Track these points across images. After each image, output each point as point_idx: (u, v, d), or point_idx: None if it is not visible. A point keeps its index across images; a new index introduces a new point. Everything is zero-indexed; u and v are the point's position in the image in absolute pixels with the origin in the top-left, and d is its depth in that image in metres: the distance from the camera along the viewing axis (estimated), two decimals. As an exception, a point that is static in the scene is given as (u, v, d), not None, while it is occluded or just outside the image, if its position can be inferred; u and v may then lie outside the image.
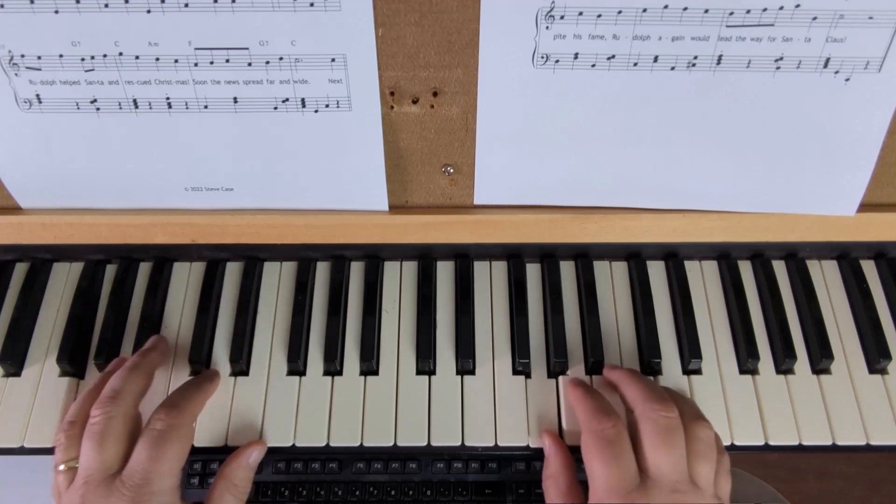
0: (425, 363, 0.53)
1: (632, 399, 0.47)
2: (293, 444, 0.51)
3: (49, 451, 0.51)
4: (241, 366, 0.53)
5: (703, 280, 0.58)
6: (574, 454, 0.49)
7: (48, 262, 0.59)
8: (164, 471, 0.44)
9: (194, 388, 0.50)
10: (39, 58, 0.44)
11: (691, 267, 0.58)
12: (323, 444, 0.51)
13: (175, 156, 0.49)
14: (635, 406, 0.46)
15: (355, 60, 0.44)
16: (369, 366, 0.53)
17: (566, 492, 0.46)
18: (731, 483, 0.46)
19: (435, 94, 0.46)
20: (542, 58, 0.44)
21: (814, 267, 0.58)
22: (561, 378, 0.53)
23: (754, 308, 0.56)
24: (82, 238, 0.53)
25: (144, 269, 0.59)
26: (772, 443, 0.51)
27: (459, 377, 0.53)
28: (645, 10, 0.41)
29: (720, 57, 0.43)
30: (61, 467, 0.46)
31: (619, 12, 0.42)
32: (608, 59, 0.44)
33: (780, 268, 0.58)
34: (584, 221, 0.52)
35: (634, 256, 0.58)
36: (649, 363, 0.53)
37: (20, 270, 0.59)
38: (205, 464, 0.53)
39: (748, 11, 0.41)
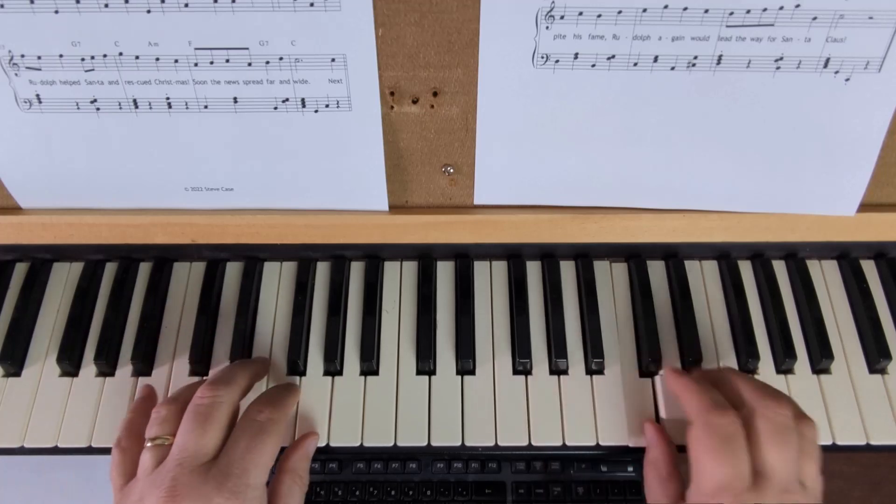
0: (425, 363, 0.53)
1: (747, 396, 0.45)
2: (293, 444, 0.51)
3: (48, 452, 0.51)
4: (241, 366, 0.53)
5: (703, 280, 0.58)
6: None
7: (48, 262, 0.59)
8: (261, 463, 0.43)
9: (287, 391, 0.50)
10: (39, 58, 0.44)
11: (691, 267, 0.58)
12: (323, 444, 0.51)
13: (175, 156, 0.49)
14: (749, 402, 0.44)
15: (355, 60, 0.44)
16: (369, 366, 0.53)
17: (666, 478, 0.46)
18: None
19: (435, 94, 0.46)
20: (542, 58, 0.44)
21: (814, 267, 0.58)
22: (562, 377, 0.53)
23: (754, 308, 0.56)
24: (82, 238, 0.53)
25: (144, 269, 0.59)
26: (772, 443, 0.51)
27: (459, 377, 0.53)
28: (645, 10, 0.41)
29: (720, 57, 0.43)
30: (149, 444, 0.43)
31: (619, 12, 0.42)
32: (608, 59, 0.43)
33: (780, 268, 0.58)
34: (584, 221, 0.52)
35: (634, 256, 0.58)
36: (649, 363, 0.53)
37: (20, 270, 0.59)
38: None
39: (748, 11, 0.41)
